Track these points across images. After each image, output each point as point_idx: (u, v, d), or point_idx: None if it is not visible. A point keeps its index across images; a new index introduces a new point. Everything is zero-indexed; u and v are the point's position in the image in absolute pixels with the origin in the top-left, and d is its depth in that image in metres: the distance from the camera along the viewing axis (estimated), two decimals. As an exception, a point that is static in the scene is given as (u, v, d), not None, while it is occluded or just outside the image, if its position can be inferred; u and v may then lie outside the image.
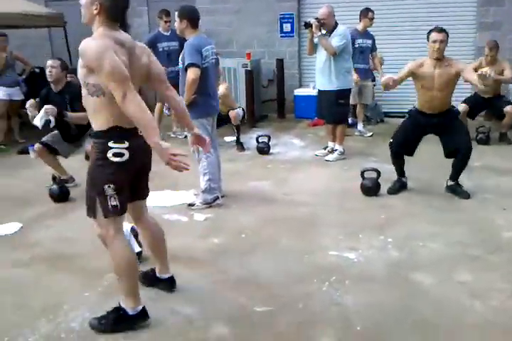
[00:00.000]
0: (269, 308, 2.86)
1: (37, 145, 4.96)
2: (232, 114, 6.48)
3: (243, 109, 6.91)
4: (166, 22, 6.95)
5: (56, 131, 5.00)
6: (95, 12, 2.42)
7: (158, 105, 7.16)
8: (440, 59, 4.38)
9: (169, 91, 2.75)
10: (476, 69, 6.44)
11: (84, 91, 2.47)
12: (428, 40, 4.39)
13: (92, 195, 2.51)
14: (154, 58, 2.68)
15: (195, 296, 2.99)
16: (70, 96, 4.76)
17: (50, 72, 4.78)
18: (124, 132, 2.44)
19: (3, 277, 3.29)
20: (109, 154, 2.43)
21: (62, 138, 5.00)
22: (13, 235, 3.99)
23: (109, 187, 2.46)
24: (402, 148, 4.68)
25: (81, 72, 2.40)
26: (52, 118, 4.56)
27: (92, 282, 3.15)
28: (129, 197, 2.62)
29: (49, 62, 4.82)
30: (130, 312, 2.63)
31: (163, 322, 2.72)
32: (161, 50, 6.88)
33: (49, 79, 4.82)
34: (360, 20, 6.98)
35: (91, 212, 2.54)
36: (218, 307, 2.88)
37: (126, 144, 2.44)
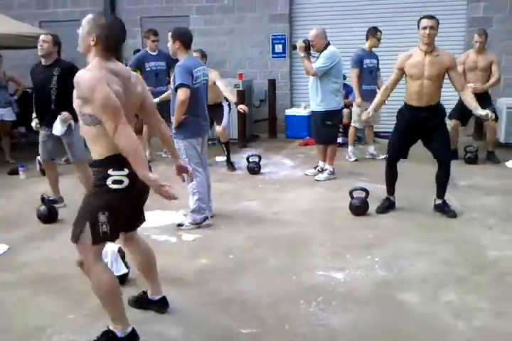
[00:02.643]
0: (254, 330, 2.85)
1: (44, 161, 5.08)
2: (219, 130, 6.53)
3: (229, 104, 6.79)
4: (153, 41, 6.96)
5: (43, 142, 5.00)
6: (92, 43, 2.46)
7: (145, 127, 7.17)
8: (430, 46, 4.40)
9: (160, 123, 2.82)
10: (463, 66, 6.58)
11: (80, 122, 2.50)
12: (418, 28, 4.41)
13: (83, 220, 2.49)
14: (148, 91, 2.73)
15: (181, 318, 2.98)
16: (59, 71, 4.78)
17: (41, 46, 4.75)
18: (124, 159, 2.43)
19: (-13, 299, 3.28)
20: (109, 181, 2.44)
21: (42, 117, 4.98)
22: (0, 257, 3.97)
23: (103, 214, 2.46)
24: (398, 153, 4.69)
25: (76, 102, 2.44)
26: (72, 122, 4.72)
27: (77, 304, 3.13)
28: (122, 226, 2.62)
29: (41, 37, 4.81)
30: (119, 334, 2.62)
31: (148, 345, 2.70)
32: (148, 69, 6.91)
33: (39, 53, 4.79)
34: (367, 39, 6.88)
35: (75, 236, 2.53)
36: (204, 329, 2.87)
37: (126, 171, 2.45)
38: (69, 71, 4.77)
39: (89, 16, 2.53)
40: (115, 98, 2.34)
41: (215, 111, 6.39)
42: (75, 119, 4.65)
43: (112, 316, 2.62)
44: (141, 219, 2.84)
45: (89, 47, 2.49)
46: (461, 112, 6.58)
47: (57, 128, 4.74)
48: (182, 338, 2.78)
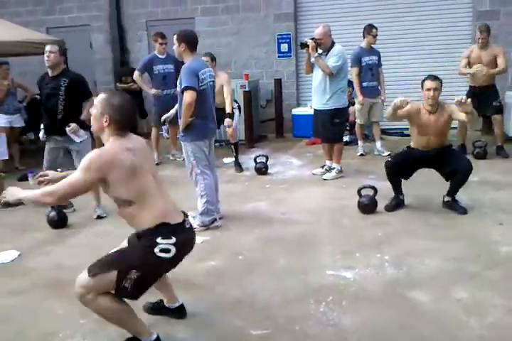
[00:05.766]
0: (265, 331, 2.84)
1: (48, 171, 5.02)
2: (229, 131, 6.54)
3: (239, 106, 6.89)
4: (161, 44, 7.01)
5: (48, 152, 5.02)
6: (105, 124, 2.50)
7: (154, 130, 7.21)
8: (435, 106, 4.45)
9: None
10: (468, 59, 6.57)
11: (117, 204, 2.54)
12: (422, 88, 4.47)
13: (112, 266, 2.45)
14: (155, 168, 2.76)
15: (191, 320, 2.99)
16: (67, 82, 4.78)
17: (48, 56, 4.74)
18: (171, 228, 2.47)
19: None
20: (157, 249, 2.43)
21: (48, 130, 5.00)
22: (11, 263, 4.00)
23: (136, 272, 2.42)
24: (398, 168, 4.68)
25: (101, 186, 2.51)
26: (81, 131, 4.80)
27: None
28: (147, 289, 2.57)
29: (48, 47, 4.79)
30: None
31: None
32: (156, 72, 6.96)
33: (47, 64, 4.78)
34: (364, 37, 6.94)
35: (93, 273, 2.44)
36: (214, 330, 2.87)
37: (174, 240, 2.46)
38: (76, 82, 4.83)
39: (101, 96, 2.56)
40: (82, 186, 2.41)
41: (225, 114, 6.40)
42: (84, 128, 4.78)
43: (133, 332, 2.63)
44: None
45: (103, 128, 2.52)
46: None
47: (74, 138, 4.82)
48: (192, 340, 2.79)
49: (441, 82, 4.43)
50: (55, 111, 4.85)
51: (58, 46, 4.93)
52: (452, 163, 4.55)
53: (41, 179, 2.78)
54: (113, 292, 2.46)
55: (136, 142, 2.59)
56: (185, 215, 2.67)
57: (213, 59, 6.42)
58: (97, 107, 2.53)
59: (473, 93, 6.60)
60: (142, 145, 2.63)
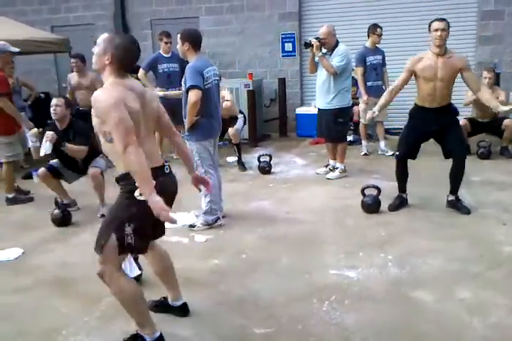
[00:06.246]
0: (268, 330, 2.85)
1: (41, 170, 5.00)
2: (231, 132, 6.55)
3: (244, 116, 7.02)
4: (166, 43, 7.02)
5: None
6: (107, 62, 2.48)
7: None
8: (443, 48, 4.39)
9: (176, 137, 2.89)
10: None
11: (101, 139, 2.52)
12: (430, 31, 4.42)
13: (108, 232, 2.49)
14: (162, 108, 2.76)
15: (194, 318, 3.00)
16: (73, 133, 4.87)
17: (54, 110, 4.82)
18: (151, 171, 2.44)
19: (3, 303, 3.32)
20: (137, 193, 2.43)
21: (65, 167, 5.07)
22: (14, 261, 4.01)
23: (129, 225, 2.47)
24: (409, 150, 4.66)
25: (95, 120, 2.48)
26: (50, 144, 4.66)
27: (92, 306, 3.16)
28: (149, 237, 2.63)
29: (54, 101, 4.87)
30: (148, 339, 2.64)
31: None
32: (161, 71, 6.97)
33: (54, 118, 4.87)
34: (369, 37, 6.95)
35: (99, 247, 2.52)
36: (217, 329, 2.88)
37: (153, 182, 2.42)
38: (81, 133, 4.90)
39: (105, 35, 2.55)
40: (129, 120, 2.33)
41: (229, 122, 6.52)
42: (56, 143, 4.74)
43: (139, 322, 2.64)
44: (162, 226, 2.80)
45: (104, 66, 2.51)
46: (473, 124, 6.83)
47: (43, 148, 4.70)
48: (195, 338, 2.79)
49: (448, 24, 4.37)
50: (73, 163, 4.99)
51: (63, 99, 4.99)
52: (450, 144, 4.53)
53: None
54: (123, 255, 2.51)
55: (137, 85, 2.58)
56: (165, 161, 2.66)
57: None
58: (99, 46, 2.52)
59: (476, 124, 6.81)
60: (143, 90, 2.59)
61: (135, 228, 2.47)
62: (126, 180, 2.49)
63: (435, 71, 4.41)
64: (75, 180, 5.21)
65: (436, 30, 4.34)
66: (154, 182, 2.35)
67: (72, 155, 4.86)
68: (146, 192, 2.33)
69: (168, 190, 2.58)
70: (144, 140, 2.48)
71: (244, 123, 7.09)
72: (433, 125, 4.53)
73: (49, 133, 4.66)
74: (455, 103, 4.69)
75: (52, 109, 4.84)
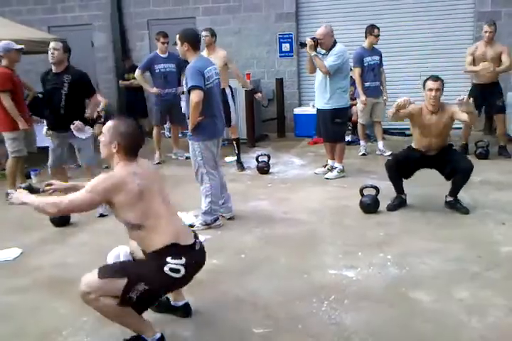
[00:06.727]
0: (267, 330, 2.85)
1: (52, 169, 5.12)
2: (232, 128, 6.54)
3: (231, 90, 6.66)
4: (163, 43, 7.02)
5: (53, 150, 5.09)
6: (114, 150, 2.57)
7: (155, 129, 7.23)
8: (437, 107, 4.45)
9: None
10: (472, 56, 6.56)
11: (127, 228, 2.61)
12: (424, 89, 4.47)
13: (124, 273, 2.48)
14: (163, 184, 2.81)
15: (193, 318, 3.00)
16: (70, 79, 4.86)
17: (52, 53, 4.82)
18: (181, 248, 2.53)
19: (1, 303, 3.31)
20: (166, 268, 2.47)
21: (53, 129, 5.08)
22: (13, 261, 4.00)
23: (144, 284, 2.45)
24: (398, 167, 4.68)
25: (115, 213, 2.60)
26: (86, 128, 4.92)
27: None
28: (149, 305, 2.70)
29: (52, 45, 4.86)
30: (149, 340, 2.65)
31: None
32: (157, 71, 6.97)
33: (51, 61, 4.86)
34: (366, 37, 6.96)
35: (102, 274, 2.47)
36: (216, 329, 2.88)
37: (183, 260, 2.50)
38: (79, 78, 4.91)
39: (109, 124, 2.62)
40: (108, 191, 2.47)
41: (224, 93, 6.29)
42: (91, 124, 4.94)
43: (135, 330, 2.65)
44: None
45: (112, 154, 2.60)
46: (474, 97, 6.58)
47: (79, 135, 4.92)
48: (194, 338, 2.80)
49: (443, 83, 4.44)
50: (57, 106, 4.92)
51: (62, 43, 4.99)
52: (452, 163, 4.55)
53: (47, 188, 2.89)
54: (117, 300, 2.47)
55: (143, 165, 2.66)
56: (196, 236, 2.72)
57: (213, 34, 6.40)
58: (105, 135, 2.61)
59: (478, 91, 6.61)
60: (150, 168, 2.72)
61: (146, 290, 2.46)
62: (159, 255, 2.51)
63: (430, 128, 4.51)
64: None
65: (431, 90, 4.39)
66: None
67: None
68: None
69: (195, 269, 2.66)
70: (166, 216, 2.58)
71: (233, 96, 6.75)
72: (429, 159, 4.66)
73: (72, 126, 4.80)
74: (450, 100, 4.70)
75: (50, 53, 4.83)
